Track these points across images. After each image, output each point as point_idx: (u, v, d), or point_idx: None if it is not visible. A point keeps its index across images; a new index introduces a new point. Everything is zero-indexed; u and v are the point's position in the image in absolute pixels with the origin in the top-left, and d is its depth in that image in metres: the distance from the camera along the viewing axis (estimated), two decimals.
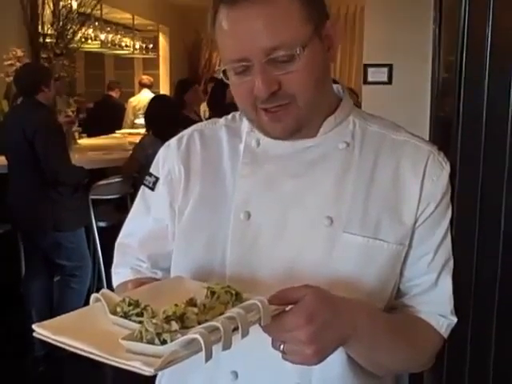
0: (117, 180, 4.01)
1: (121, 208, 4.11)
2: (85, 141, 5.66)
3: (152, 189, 1.14)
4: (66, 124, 4.10)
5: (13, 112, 3.83)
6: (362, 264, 1.00)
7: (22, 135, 3.39)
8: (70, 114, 4.89)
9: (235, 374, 1.01)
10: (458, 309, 1.09)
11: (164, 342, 0.75)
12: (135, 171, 3.98)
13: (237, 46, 0.94)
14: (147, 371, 0.71)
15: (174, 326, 0.77)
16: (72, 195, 3.57)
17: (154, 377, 1.16)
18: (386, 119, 1.11)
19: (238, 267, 1.02)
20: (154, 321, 0.77)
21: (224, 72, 0.99)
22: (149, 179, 1.15)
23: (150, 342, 0.76)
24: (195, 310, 0.80)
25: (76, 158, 4.06)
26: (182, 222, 1.08)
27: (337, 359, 0.96)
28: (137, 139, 5.61)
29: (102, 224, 3.96)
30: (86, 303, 3.29)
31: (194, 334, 0.75)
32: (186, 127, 1.18)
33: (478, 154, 1.46)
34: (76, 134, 5.37)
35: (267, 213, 1.03)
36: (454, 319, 1.08)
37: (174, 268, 1.11)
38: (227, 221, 1.04)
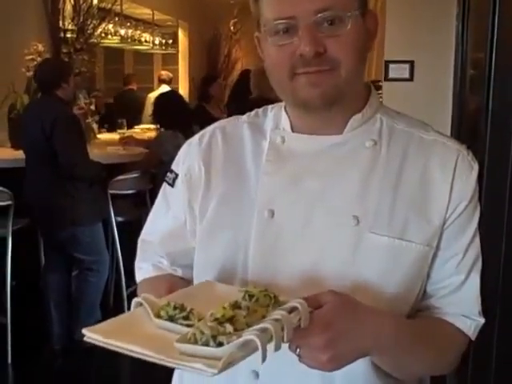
0: (135, 175, 4.02)
1: (139, 203, 4.12)
2: (104, 135, 5.68)
3: (172, 185, 1.13)
4: (79, 116, 4.09)
5: (31, 107, 3.84)
6: (387, 265, 0.98)
7: (40, 130, 3.41)
8: (83, 105, 4.88)
9: (256, 374, 1.00)
10: (484, 310, 1.06)
11: (220, 345, 0.77)
12: (153, 167, 3.98)
13: (284, 4, 0.93)
14: (210, 372, 0.73)
15: (229, 328, 0.78)
16: (89, 189, 3.58)
17: (170, 374, 1.16)
18: (414, 118, 1.09)
19: (260, 266, 1.00)
20: (209, 323, 0.79)
21: (258, 40, 1.00)
22: (169, 176, 1.14)
23: (205, 344, 0.77)
24: (243, 312, 0.82)
25: (95, 153, 4.08)
26: (204, 221, 1.07)
27: (361, 361, 0.94)
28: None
29: (120, 219, 3.97)
30: (104, 297, 3.33)
31: (250, 335, 0.77)
32: (203, 122, 1.17)
33: (508, 154, 1.43)
34: (95, 129, 5.39)
35: (291, 211, 1.01)
36: (482, 320, 1.06)
37: (196, 267, 1.10)
38: (250, 219, 1.02)
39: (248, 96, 4.92)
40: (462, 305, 1.04)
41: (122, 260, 3.86)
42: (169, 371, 1.14)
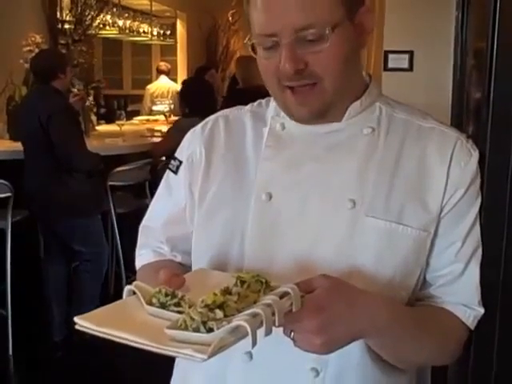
0: (135, 166, 4.01)
1: (139, 194, 4.12)
2: (103, 127, 5.67)
3: (175, 172, 1.14)
4: (77, 103, 4.04)
5: (28, 98, 3.83)
6: (383, 249, 0.98)
7: (37, 121, 3.40)
8: (76, 91, 4.81)
9: (250, 355, 1.01)
10: (485, 299, 1.06)
11: (210, 330, 0.77)
12: (166, 154, 3.92)
13: (266, 21, 0.94)
14: (200, 358, 0.74)
15: (219, 314, 0.79)
16: (87, 181, 3.58)
17: (171, 363, 1.16)
18: (414, 107, 1.09)
19: (257, 248, 1.01)
20: (199, 309, 0.79)
21: (252, 47, 0.99)
22: (173, 163, 1.16)
23: (196, 330, 0.78)
24: (234, 298, 0.82)
25: (94, 145, 4.07)
26: (202, 206, 1.08)
27: (355, 347, 0.95)
28: (154, 126, 5.64)
29: (120, 210, 3.97)
30: (104, 289, 3.32)
31: (240, 320, 0.78)
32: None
33: (509, 143, 1.43)
34: (94, 120, 5.38)
35: (289, 194, 1.02)
36: (481, 310, 1.06)
37: (194, 251, 1.11)
38: (248, 203, 1.04)
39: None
40: (461, 294, 1.04)
41: (122, 251, 3.86)
42: (171, 360, 1.15)
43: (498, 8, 1.40)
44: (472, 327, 1.06)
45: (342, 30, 0.94)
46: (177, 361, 1.16)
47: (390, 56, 4.25)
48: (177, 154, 1.16)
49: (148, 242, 1.19)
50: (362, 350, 0.99)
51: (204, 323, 0.78)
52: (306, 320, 0.85)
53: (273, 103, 1.11)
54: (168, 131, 4.34)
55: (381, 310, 0.93)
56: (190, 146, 1.14)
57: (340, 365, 0.98)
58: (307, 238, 1.00)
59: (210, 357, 0.74)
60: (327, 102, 0.98)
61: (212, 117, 1.16)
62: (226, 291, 0.84)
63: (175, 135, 4.03)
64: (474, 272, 1.05)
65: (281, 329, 0.85)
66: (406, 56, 4.20)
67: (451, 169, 1.01)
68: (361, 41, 1.00)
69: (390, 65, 4.26)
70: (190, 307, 0.82)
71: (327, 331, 0.86)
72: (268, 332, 0.80)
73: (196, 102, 4.20)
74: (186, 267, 1.12)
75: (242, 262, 1.02)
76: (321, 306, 0.85)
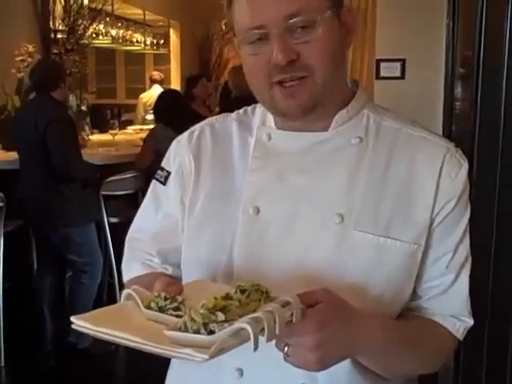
0: (128, 176, 4.01)
1: (132, 204, 4.11)
2: (96, 137, 5.66)
3: (163, 183, 1.12)
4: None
5: (26, 107, 3.82)
6: (372, 264, 0.97)
7: (34, 130, 3.40)
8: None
9: (240, 372, 0.99)
10: (474, 309, 1.06)
11: (211, 333, 0.76)
12: (149, 164, 3.96)
13: (253, 13, 0.92)
14: (201, 358, 0.73)
15: (221, 316, 0.78)
16: (82, 190, 3.57)
17: (164, 374, 1.15)
18: (401, 114, 1.08)
19: (245, 263, 1.00)
20: (201, 311, 0.78)
21: (238, 45, 0.97)
22: (160, 173, 1.13)
23: (196, 332, 0.77)
24: (235, 303, 0.81)
25: (87, 154, 4.07)
26: (191, 217, 1.07)
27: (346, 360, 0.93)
28: None
29: (113, 220, 3.96)
30: (98, 299, 3.29)
31: (242, 323, 0.76)
32: (193, 121, 1.17)
33: (496, 150, 1.43)
34: (87, 130, 5.37)
35: (277, 208, 1.01)
36: (471, 321, 1.05)
37: (183, 263, 1.09)
38: (236, 216, 1.02)
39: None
40: (450, 305, 1.04)
41: (116, 261, 3.85)
42: (164, 372, 1.14)
43: (483, 18, 1.40)
44: (461, 338, 1.05)
45: (330, 22, 0.93)
46: (168, 373, 1.15)
47: (382, 64, 4.26)
48: (163, 165, 1.14)
49: (136, 255, 1.16)
50: (351, 362, 0.97)
51: (205, 325, 0.77)
52: (305, 335, 0.82)
53: (259, 110, 1.10)
54: (144, 141, 4.37)
55: (376, 332, 0.91)
56: (177, 157, 1.12)
57: (329, 377, 0.95)
58: (295, 252, 0.98)
59: (211, 357, 0.73)
60: (316, 96, 0.95)
61: (198, 125, 1.14)
62: (227, 297, 0.82)
63: (150, 142, 4.11)
64: (464, 282, 1.04)
65: (271, 344, 0.82)
66: (398, 64, 4.22)
67: (441, 180, 0.99)
68: (347, 40, 0.99)
69: (382, 73, 4.27)
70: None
71: (324, 348, 0.84)
72: (269, 338, 0.78)
73: (161, 110, 4.35)
74: (177, 280, 1.09)
75: (230, 276, 1.00)
76: (322, 322, 0.83)
